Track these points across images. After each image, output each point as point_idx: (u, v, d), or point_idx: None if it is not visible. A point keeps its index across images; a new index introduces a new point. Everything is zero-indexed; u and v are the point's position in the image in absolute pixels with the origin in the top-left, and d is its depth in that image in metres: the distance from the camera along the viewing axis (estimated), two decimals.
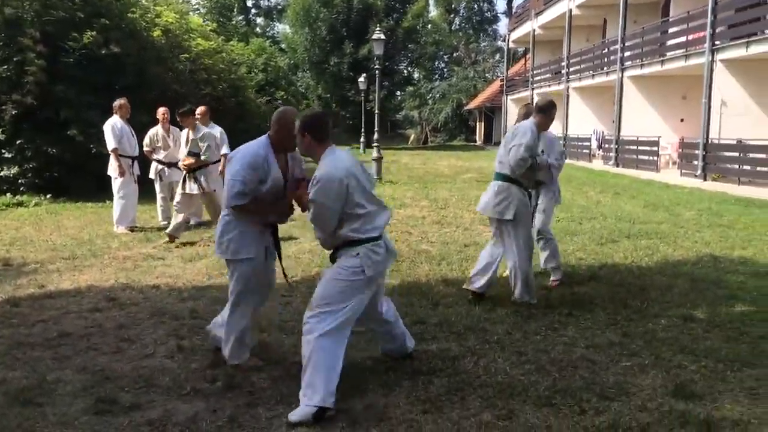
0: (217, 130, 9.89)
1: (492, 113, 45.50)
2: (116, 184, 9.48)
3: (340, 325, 3.66)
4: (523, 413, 3.56)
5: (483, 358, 4.38)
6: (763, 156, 15.31)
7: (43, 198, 12.52)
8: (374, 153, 17.93)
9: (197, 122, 8.63)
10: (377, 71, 19.03)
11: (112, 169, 9.50)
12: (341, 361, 3.64)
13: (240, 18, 53.24)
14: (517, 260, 5.61)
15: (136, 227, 9.51)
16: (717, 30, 17.41)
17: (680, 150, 19.41)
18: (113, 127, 9.37)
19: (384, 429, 3.41)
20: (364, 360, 4.34)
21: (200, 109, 10.02)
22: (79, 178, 13.08)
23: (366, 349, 4.50)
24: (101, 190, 12.40)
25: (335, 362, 3.61)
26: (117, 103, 9.59)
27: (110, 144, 9.37)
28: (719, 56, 17.35)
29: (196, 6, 42.43)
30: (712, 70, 17.50)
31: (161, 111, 9.96)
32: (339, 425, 3.44)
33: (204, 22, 21.63)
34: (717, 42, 17.34)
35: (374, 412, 3.59)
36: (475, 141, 49.47)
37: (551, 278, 6.38)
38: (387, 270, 4.09)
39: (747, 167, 15.91)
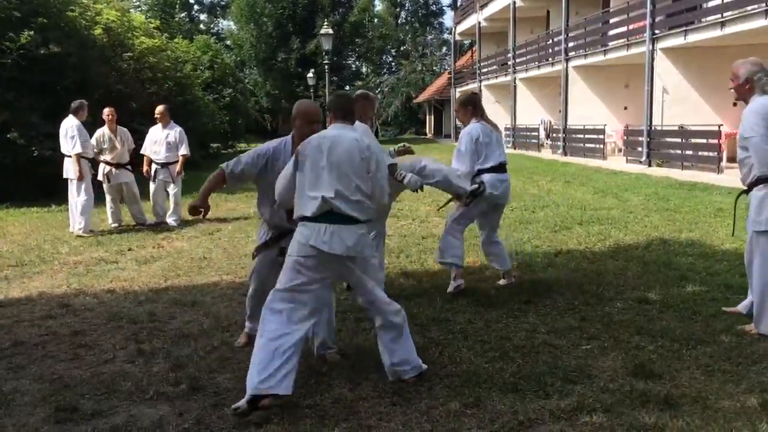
0: (176, 130, 9.80)
1: (441, 106, 45.81)
2: (74, 186, 9.15)
3: None
4: (490, 400, 3.60)
5: (447, 348, 4.41)
6: (704, 141, 15.82)
7: None
8: None
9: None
10: (326, 66, 18.98)
11: (72, 171, 9.10)
12: None
13: (183, 15, 52.17)
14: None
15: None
16: (656, 19, 17.91)
17: (625, 137, 19.90)
18: (80, 129, 9.01)
19: (353, 423, 3.40)
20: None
21: (159, 109, 9.92)
22: (21, 183, 12.64)
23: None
24: (46, 195, 12.06)
25: None
26: (78, 104, 9.19)
27: (77, 147, 8.95)
28: (659, 45, 17.85)
29: (137, 3, 41.39)
30: (652, 59, 17.99)
31: (106, 111, 9.75)
32: (308, 421, 3.42)
33: (146, 19, 21.07)
34: (656, 31, 17.83)
35: (343, 406, 3.58)
36: (426, 134, 49.74)
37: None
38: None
39: (689, 152, 16.42)
